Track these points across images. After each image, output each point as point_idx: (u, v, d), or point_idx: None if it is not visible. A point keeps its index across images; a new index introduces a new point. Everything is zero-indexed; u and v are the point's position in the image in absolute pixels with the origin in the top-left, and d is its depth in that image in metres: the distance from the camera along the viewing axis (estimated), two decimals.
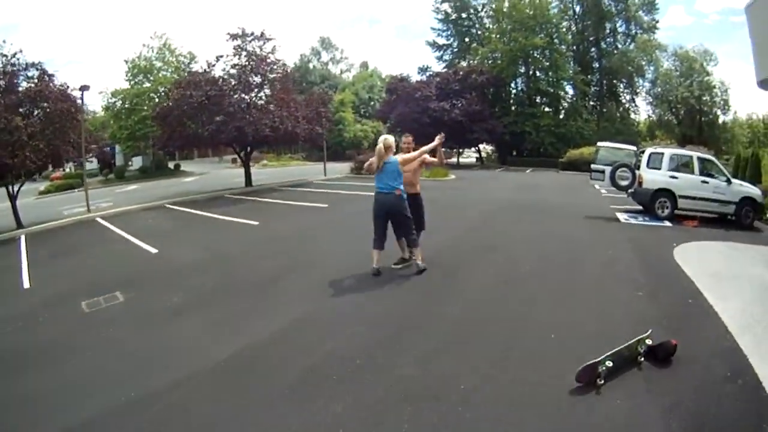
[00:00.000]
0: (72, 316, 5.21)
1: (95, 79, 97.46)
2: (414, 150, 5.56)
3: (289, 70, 18.83)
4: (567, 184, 18.93)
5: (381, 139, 5.31)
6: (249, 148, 19.15)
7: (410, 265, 5.63)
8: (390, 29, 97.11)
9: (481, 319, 4.29)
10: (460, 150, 39.43)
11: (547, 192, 15.64)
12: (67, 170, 38.92)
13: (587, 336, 3.77)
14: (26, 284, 6.90)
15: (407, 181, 5.35)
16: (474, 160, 40.02)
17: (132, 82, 33.41)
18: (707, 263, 6.08)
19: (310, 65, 64.64)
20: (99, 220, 12.42)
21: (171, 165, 39.41)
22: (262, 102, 18.19)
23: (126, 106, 32.48)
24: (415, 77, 36.61)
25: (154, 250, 7.95)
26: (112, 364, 3.90)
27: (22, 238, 11.06)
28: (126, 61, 34.55)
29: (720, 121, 31.25)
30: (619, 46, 36.54)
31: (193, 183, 24.43)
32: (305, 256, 6.98)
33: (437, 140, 5.40)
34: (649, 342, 3.35)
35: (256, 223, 10.22)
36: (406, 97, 32.33)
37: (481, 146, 38.43)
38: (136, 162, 41.02)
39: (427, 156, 5.53)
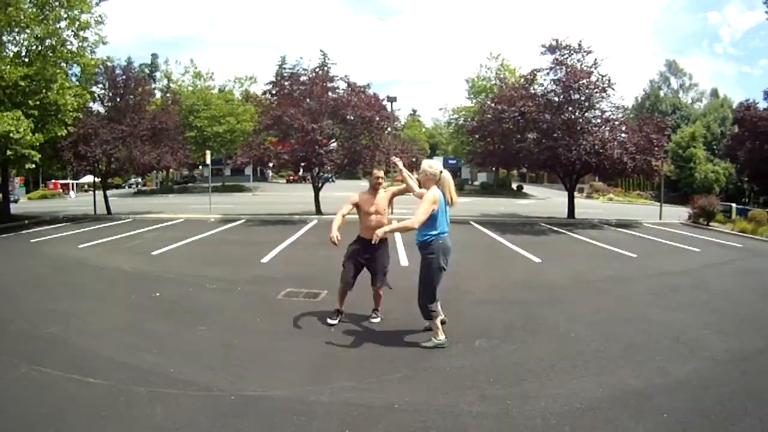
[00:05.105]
0: None
1: (444, 97, 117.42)
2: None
3: (614, 87, 15.01)
4: None
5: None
6: (575, 176, 16.42)
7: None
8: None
9: None
10: None
11: None
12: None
13: None
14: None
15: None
16: None
17: (474, 101, 34.68)
18: None
19: (661, 93, 55.32)
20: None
21: (514, 186, 40.16)
22: (582, 122, 15.22)
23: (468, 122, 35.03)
24: (763, 105, 24.56)
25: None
26: None
27: (312, 223, 13.37)
28: (466, 81, 37.49)
29: None
30: None
31: (523, 206, 24.14)
32: None
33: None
34: None
35: (538, 260, 8.29)
36: (753, 129, 22.17)
37: None
38: (480, 178, 44.14)
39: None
